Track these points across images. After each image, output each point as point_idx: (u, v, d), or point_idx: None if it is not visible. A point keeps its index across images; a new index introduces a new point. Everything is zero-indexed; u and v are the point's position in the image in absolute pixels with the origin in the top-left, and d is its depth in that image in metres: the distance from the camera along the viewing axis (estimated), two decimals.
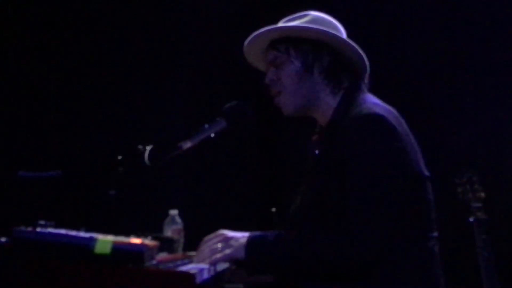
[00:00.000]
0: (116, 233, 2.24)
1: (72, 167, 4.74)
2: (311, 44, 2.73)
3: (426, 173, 2.63)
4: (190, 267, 2.39)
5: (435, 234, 2.63)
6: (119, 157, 2.73)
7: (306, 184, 2.73)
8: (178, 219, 3.25)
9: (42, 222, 2.19)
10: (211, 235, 2.64)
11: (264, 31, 2.77)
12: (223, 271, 2.64)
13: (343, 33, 2.82)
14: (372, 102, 2.65)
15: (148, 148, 2.74)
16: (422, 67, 5.09)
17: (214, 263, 2.53)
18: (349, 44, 2.74)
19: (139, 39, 5.27)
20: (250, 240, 2.56)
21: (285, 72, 2.74)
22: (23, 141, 5.07)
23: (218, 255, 2.55)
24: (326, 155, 2.63)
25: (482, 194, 4.25)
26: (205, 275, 2.38)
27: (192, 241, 2.93)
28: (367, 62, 2.76)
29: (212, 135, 2.78)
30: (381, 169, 2.48)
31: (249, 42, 2.83)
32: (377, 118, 2.53)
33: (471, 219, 4.22)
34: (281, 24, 2.82)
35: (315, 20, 2.78)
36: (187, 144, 2.76)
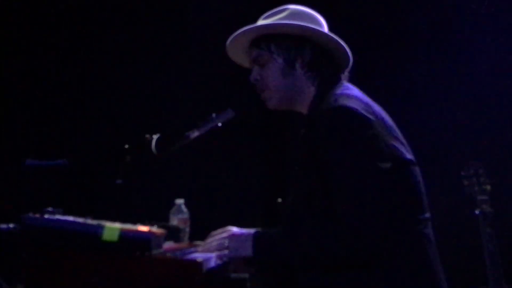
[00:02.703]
0: (122, 222, 2.25)
1: (79, 156, 4.76)
2: (292, 39, 2.74)
3: (409, 156, 2.62)
4: (197, 256, 2.40)
5: (427, 215, 2.63)
6: (126, 146, 2.74)
7: (295, 177, 2.75)
8: (184, 209, 3.26)
9: (50, 209, 2.20)
10: (219, 230, 2.65)
11: (243, 31, 2.78)
12: (229, 260, 2.65)
13: (323, 25, 2.82)
14: (342, 93, 2.66)
15: (155, 137, 2.74)
16: (428, 60, 5.09)
17: (220, 259, 2.54)
18: (330, 37, 2.74)
19: (147, 28, 5.27)
20: (256, 237, 2.57)
21: (268, 71, 2.76)
22: (31, 129, 5.08)
23: (225, 252, 2.56)
24: (305, 149, 2.65)
25: (488, 187, 4.25)
26: (212, 263, 2.39)
27: (198, 231, 2.94)
28: (350, 54, 2.76)
29: (220, 124, 2.79)
30: (357, 158, 2.48)
31: (230, 42, 2.85)
32: (345, 110, 2.53)
33: (477, 212, 4.22)
34: (260, 21, 2.82)
35: (294, 14, 2.78)
36: (194, 134, 2.76)
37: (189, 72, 5.27)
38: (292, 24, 2.72)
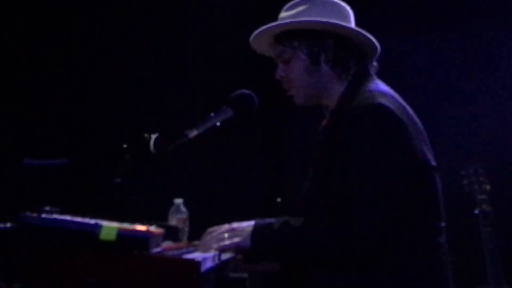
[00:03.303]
0: (121, 221, 2.24)
1: (78, 155, 4.75)
2: (315, 34, 2.69)
3: (433, 163, 2.59)
4: (195, 255, 2.39)
5: (443, 224, 2.61)
6: (125, 145, 2.73)
7: (313, 170, 2.72)
8: (183, 208, 3.26)
9: (47, 208, 2.19)
10: (216, 227, 2.64)
11: (263, 30, 2.74)
12: (228, 260, 2.65)
13: (348, 13, 2.77)
14: (377, 89, 2.62)
15: (154, 136, 2.73)
16: (430, 58, 5.08)
17: (220, 251, 2.53)
18: (352, 30, 2.70)
19: (146, 28, 5.27)
20: (255, 228, 2.55)
21: (293, 68, 2.72)
22: (30, 128, 5.07)
23: (225, 243, 2.55)
24: (329, 143, 2.62)
25: (488, 186, 4.24)
26: (210, 263, 2.38)
27: (197, 231, 2.93)
28: (376, 43, 2.72)
29: (218, 123, 2.77)
30: (382, 159, 2.45)
31: (253, 39, 2.81)
32: (380, 108, 2.50)
33: (476, 211, 4.21)
34: (282, 13, 2.78)
35: (316, 4, 2.73)
36: (193, 133, 2.75)
37: (188, 71, 5.26)
38: (311, 20, 2.67)
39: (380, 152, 2.46)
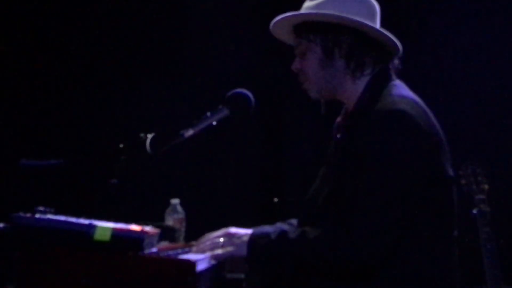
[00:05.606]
0: (117, 222, 2.23)
1: (74, 156, 4.74)
2: (330, 28, 2.61)
3: (450, 173, 2.53)
4: (191, 256, 2.38)
5: (455, 233, 2.56)
6: (121, 146, 2.72)
7: (326, 169, 2.68)
8: (179, 209, 3.25)
9: (41, 208, 2.18)
10: (214, 232, 2.62)
11: (281, 19, 2.69)
12: (224, 259, 2.63)
13: (374, 10, 2.68)
14: (399, 94, 2.54)
15: (150, 136, 2.72)
16: (427, 60, 5.07)
17: (214, 259, 2.50)
18: (370, 27, 2.61)
19: (142, 28, 5.26)
20: (252, 238, 2.52)
21: (307, 62, 2.66)
22: (26, 129, 5.06)
23: (220, 251, 2.52)
24: (346, 145, 2.57)
25: (486, 186, 4.23)
26: (206, 263, 2.37)
27: (194, 231, 2.92)
28: (397, 42, 2.64)
29: (215, 123, 2.76)
30: (396, 170, 2.39)
31: (272, 27, 2.74)
32: (401, 115, 2.43)
33: (474, 211, 4.20)
34: (306, 2, 2.70)
35: None
36: (189, 132, 2.74)
37: (184, 70, 5.25)
38: (325, 14, 2.60)
39: (396, 160, 2.40)
